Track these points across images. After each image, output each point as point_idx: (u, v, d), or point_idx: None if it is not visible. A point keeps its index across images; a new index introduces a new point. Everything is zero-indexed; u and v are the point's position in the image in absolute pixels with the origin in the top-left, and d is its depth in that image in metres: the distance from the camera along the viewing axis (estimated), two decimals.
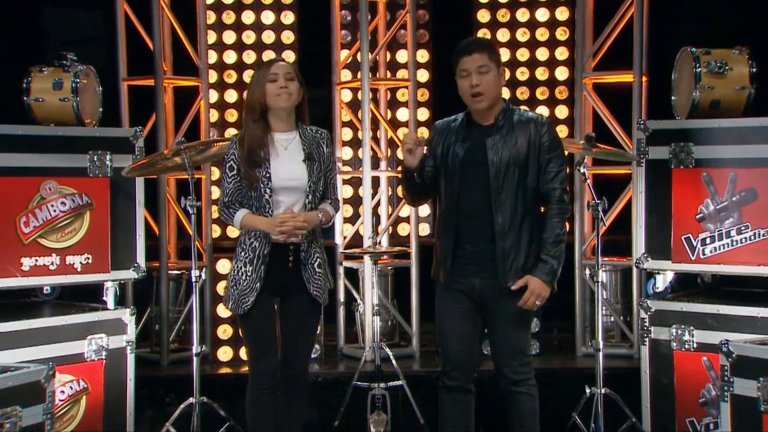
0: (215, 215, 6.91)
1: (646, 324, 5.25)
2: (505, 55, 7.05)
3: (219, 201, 4.51)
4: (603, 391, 5.14)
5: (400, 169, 4.72)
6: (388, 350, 5.73)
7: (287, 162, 4.45)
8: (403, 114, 7.22)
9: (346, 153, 7.17)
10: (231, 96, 7.22)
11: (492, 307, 4.50)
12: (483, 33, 7.20)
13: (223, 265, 6.67)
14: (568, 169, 6.95)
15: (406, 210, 6.80)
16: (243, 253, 4.46)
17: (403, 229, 7.11)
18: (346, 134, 7.13)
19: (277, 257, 4.44)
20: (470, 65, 4.39)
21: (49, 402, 3.91)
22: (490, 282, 4.43)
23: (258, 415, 4.52)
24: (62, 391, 4.96)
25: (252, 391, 4.52)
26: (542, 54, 7.34)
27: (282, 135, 4.48)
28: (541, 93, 7.34)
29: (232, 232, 7.07)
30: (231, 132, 7.09)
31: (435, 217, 4.76)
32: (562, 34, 7.31)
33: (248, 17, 7.23)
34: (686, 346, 5.11)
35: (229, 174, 4.45)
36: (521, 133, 4.42)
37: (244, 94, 4.61)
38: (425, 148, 4.44)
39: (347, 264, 6.66)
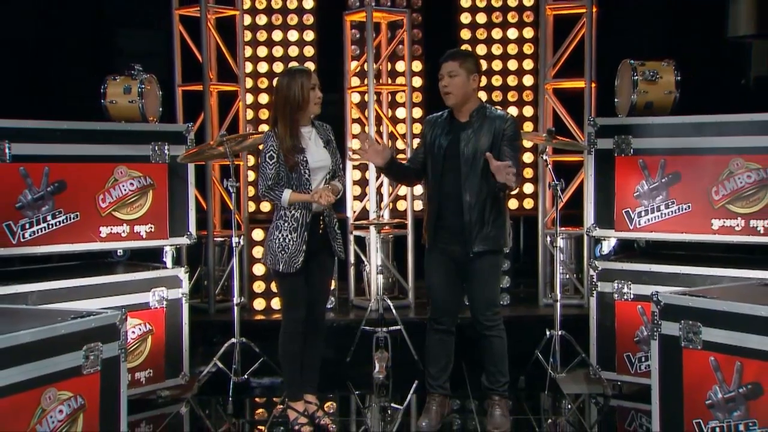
0: (251, 194, 6.97)
1: (594, 280, 5.27)
2: (482, 65, 7.00)
3: (260, 185, 4.43)
4: (559, 333, 5.23)
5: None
6: (389, 302, 5.81)
7: (315, 148, 4.48)
8: (401, 112, 7.25)
9: (355, 144, 7.14)
10: (263, 99, 7.24)
11: (468, 268, 4.53)
12: (465, 47, 7.19)
13: (258, 234, 6.69)
14: (533, 157, 7.04)
15: (403, 190, 6.83)
16: (286, 224, 4.43)
17: (401, 205, 7.11)
18: (356, 129, 7.04)
19: (312, 224, 4.47)
20: (444, 70, 4.48)
21: (123, 340, 3.88)
22: (464, 248, 4.47)
23: (290, 351, 4.55)
24: (132, 332, 5.02)
25: (286, 334, 4.53)
26: (512, 64, 7.36)
27: (305, 128, 4.50)
28: (512, 96, 7.35)
29: (265, 207, 7.07)
30: (264, 127, 7.08)
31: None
32: (528, 48, 7.33)
33: (277, 35, 7.28)
34: (625, 297, 5.15)
35: (269, 162, 4.39)
36: (489, 128, 4.44)
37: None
38: (389, 151, 4.51)
39: (356, 233, 6.69)
